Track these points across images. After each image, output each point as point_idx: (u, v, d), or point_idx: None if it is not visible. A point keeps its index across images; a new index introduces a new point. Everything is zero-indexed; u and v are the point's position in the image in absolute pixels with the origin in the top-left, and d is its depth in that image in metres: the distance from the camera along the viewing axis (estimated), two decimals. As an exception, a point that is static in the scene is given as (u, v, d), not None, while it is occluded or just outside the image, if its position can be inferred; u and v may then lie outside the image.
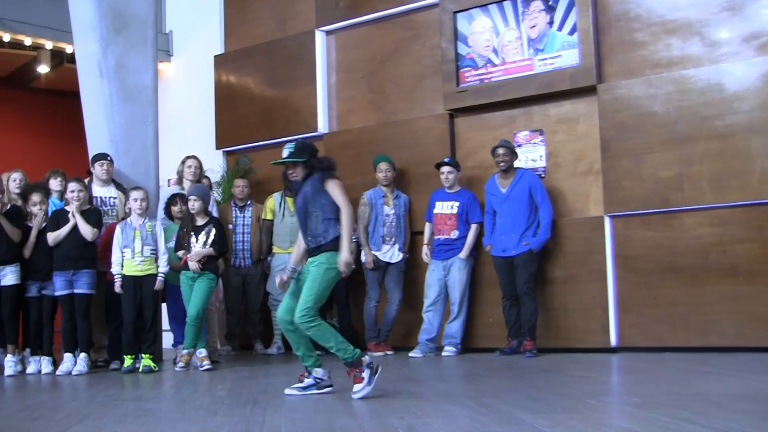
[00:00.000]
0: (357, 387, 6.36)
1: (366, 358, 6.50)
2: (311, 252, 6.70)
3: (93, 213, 9.44)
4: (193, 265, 9.20)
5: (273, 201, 11.20)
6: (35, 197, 9.50)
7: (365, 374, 6.41)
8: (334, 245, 6.64)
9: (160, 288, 9.31)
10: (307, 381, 6.73)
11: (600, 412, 5.55)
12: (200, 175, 10.78)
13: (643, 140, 9.48)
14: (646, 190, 9.43)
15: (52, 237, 9.24)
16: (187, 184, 10.55)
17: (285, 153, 6.77)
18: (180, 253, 9.33)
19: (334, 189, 6.71)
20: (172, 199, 10.02)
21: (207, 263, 9.30)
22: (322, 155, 6.95)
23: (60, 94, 15.97)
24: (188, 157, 10.81)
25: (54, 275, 9.27)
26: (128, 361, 9.12)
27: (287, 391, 6.71)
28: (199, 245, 9.28)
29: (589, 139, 9.92)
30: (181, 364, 9.19)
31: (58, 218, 9.34)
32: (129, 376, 8.78)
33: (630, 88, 9.62)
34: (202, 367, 9.06)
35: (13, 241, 9.27)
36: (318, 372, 6.74)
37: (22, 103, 16.92)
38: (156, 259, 9.34)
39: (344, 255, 6.60)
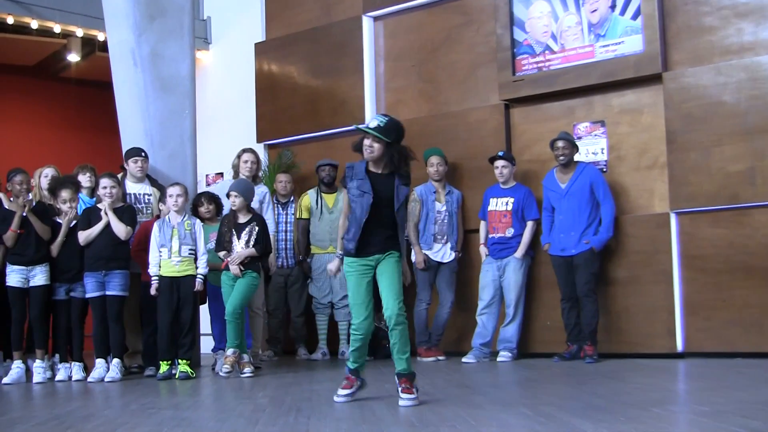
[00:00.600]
0: (407, 396, 6.44)
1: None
2: (382, 245, 6.78)
3: (127, 210, 9.46)
4: (234, 269, 9.16)
5: (308, 199, 11.23)
6: (65, 194, 9.44)
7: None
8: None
9: (199, 290, 9.31)
10: (356, 384, 6.84)
11: (665, 421, 5.57)
12: (257, 171, 10.76)
13: (712, 132, 9.43)
14: (715, 185, 9.39)
15: (84, 236, 9.27)
16: None
17: (374, 123, 6.70)
18: (221, 254, 9.27)
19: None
20: (198, 199, 9.91)
21: (249, 262, 9.26)
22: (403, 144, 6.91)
23: (91, 84, 16.03)
24: (244, 151, 10.76)
25: (85, 276, 9.31)
26: (164, 367, 9.16)
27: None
28: (241, 245, 9.23)
29: (653, 130, 9.89)
30: (226, 366, 9.07)
31: (90, 216, 9.38)
32: (165, 383, 8.86)
33: (698, 76, 9.57)
34: (243, 373, 9.05)
35: (42, 239, 9.34)
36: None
37: (52, 94, 16.97)
38: (195, 260, 9.32)
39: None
